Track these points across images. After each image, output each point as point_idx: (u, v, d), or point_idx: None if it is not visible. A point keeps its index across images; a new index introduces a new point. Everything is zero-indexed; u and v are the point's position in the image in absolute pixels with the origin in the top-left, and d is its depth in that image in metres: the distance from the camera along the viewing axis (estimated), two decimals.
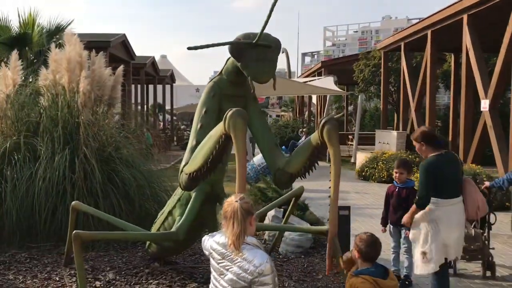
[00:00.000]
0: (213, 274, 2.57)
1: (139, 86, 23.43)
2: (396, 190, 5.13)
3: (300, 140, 20.40)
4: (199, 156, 3.37)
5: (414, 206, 4.18)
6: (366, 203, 9.39)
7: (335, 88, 18.59)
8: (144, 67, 21.71)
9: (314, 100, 27.44)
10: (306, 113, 28.70)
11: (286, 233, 6.20)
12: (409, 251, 4.98)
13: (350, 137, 21.42)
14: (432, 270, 4.12)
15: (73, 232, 3.71)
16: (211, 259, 2.59)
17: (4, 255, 5.74)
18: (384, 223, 5.36)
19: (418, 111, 13.66)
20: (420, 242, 4.18)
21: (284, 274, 5.26)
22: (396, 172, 5.19)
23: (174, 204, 4.50)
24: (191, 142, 3.73)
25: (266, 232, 6.71)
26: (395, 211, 5.07)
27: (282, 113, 46.31)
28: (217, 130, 3.17)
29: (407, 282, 5.01)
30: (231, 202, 2.50)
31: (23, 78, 7.61)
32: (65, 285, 4.87)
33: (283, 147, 19.50)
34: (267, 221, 6.82)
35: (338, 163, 3.32)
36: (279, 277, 5.16)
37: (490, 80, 9.63)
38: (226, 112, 3.03)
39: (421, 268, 4.17)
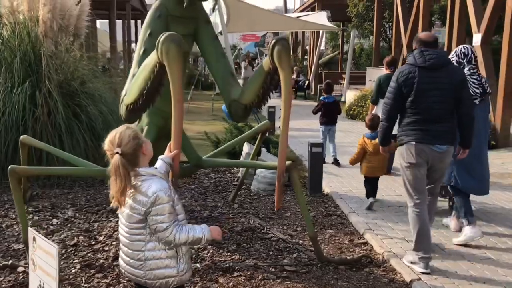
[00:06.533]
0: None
1: (126, 22, 22.59)
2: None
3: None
4: (135, 87, 3.03)
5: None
6: (348, 141, 9.13)
7: (328, 24, 17.86)
8: (130, 0, 20.81)
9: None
10: (299, 50, 27.87)
11: (258, 171, 5.99)
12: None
13: (344, 76, 20.88)
14: None
15: (9, 167, 3.44)
16: None
17: None
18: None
19: (410, 48, 13.11)
20: None
21: (251, 212, 5.08)
22: None
23: None
24: (133, 68, 3.37)
25: (240, 170, 6.51)
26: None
27: None
28: (151, 58, 2.80)
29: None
30: (111, 152, 2.19)
31: None
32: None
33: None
34: (241, 159, 6.58)
35: (288, 90, 2.98)
36: (244, 215, 5.00)
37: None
38: (159, 37, 2.65)
39: None
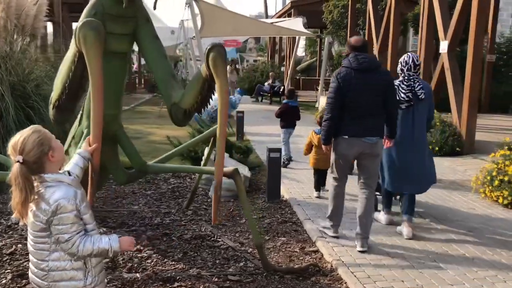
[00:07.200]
0: None
1: None
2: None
3: (266, 84, 19.90)
4: (58, 82, 2.88)
5: None
6: None
7: (304, 30, 17.86)
8: None
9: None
10: (276, 56, 27.86)
11: None
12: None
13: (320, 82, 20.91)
14: None
15: None
16: None
17: None
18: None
19: (382, 54, 13.18)
20: None
21: (204, 219, 4.95)
22: None
23: (69, 143, 4.04)
24: None
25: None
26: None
27: (259, 58, 45.46)
28: (71, 48, 2.66)
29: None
30: (13, 161, 2.00)
31: None
32: None
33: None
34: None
35: (224, 99, 2.87)
36: (197, 221, 4.86)
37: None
38: (77, 24, 2.53)
39: None
